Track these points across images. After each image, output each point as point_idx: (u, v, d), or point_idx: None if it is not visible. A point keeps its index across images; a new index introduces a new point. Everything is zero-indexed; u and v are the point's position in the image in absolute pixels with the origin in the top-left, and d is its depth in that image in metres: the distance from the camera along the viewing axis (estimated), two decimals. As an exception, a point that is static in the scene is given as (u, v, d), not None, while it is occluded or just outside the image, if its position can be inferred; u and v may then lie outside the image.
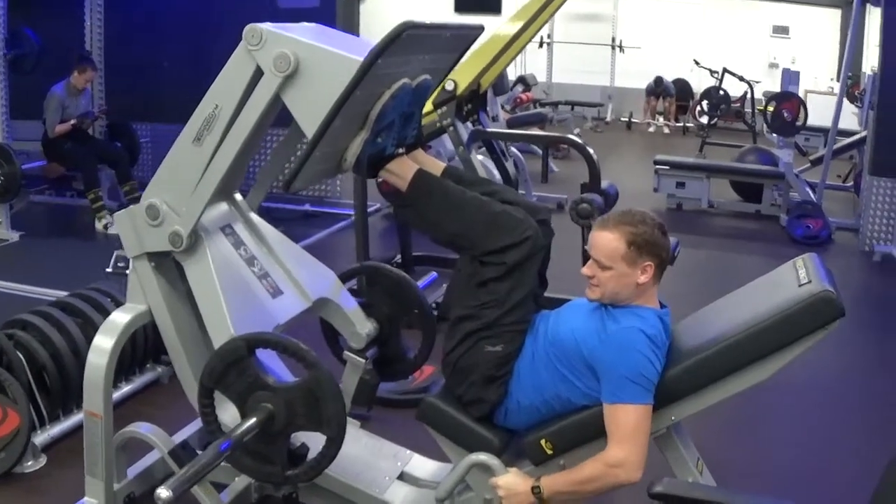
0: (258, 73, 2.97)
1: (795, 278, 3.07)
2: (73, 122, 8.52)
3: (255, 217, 3.58)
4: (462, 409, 3.26)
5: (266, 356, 3.15)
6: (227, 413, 3.09)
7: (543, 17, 6.65)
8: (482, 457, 3.15)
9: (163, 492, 2.52)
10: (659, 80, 18.35)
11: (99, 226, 8.52)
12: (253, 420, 2.84)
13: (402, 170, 3.30)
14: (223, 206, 3.47)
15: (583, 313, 3.18)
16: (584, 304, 3.24)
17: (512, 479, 3.06)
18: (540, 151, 12.09)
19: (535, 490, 2.99)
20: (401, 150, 3.38)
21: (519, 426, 3.24)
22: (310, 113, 2.94)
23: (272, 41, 2.91)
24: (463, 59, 6.54)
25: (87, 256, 7.61)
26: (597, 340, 3.01)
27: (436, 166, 3.47)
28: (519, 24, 6.57)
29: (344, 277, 3.80)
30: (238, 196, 3.56)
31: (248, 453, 2.96)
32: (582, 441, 3.08)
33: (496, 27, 6.77)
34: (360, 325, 3.66)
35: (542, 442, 3.12)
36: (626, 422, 2.88)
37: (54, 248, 8.04)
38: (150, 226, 3.26)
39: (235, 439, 2.78)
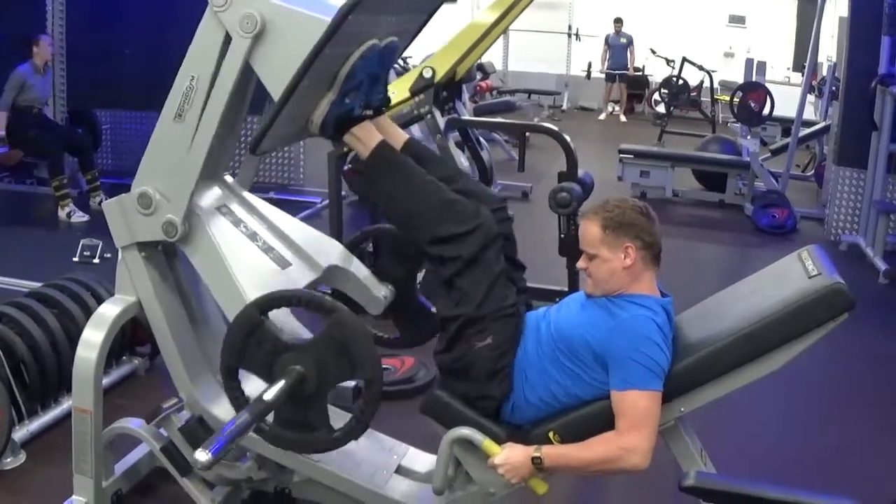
0: (228, 39, 2.91)
1: (803, 270, 3.05)
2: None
3: (249, 195, 3.51)
4: (467, 405, 3.19)
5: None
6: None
7: (521, 6, 6.60)
8: (464, 431, 3.09)
9: (201, 454, 2.40)
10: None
11: (62, 214, 8.36)
12: (282, 382, 2.71)
13: (365, 136, 3.22)
14: (216, 189, 3.39)
15: (585, 306, 3.14)
16: (583, 296, 3.20)
17: (509, 453, 3.00)
18: (500, 139, 12.24)
19: (536, 461, 2.94)
20: (368, 112, 3.31)
21: (526, 421, 3.17)
22: (277, 74, 2.88)
23: (238, 2, 2.86)
24: (441, 47, 6.61)
25: (51, 245, 7.52)
26: (605, 330, 2.96)
27: (398, 136, 3.42)
28: (496, 14, 6.53)
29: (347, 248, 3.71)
30: (228, 178, 3.49)
31: (289, 426, 2.84)
32: (590, 433, 3.00)
33: (470, 16, 6.74)
34: (375, 289, 3.57)
35: (550, 434, 3.06)
36: (639, 407, 2.85)
37: (16, 237, 7.85)
38: (143, 215, 3.16)
39: (268, 402, 2.65)
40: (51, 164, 8.45)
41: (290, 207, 8.90)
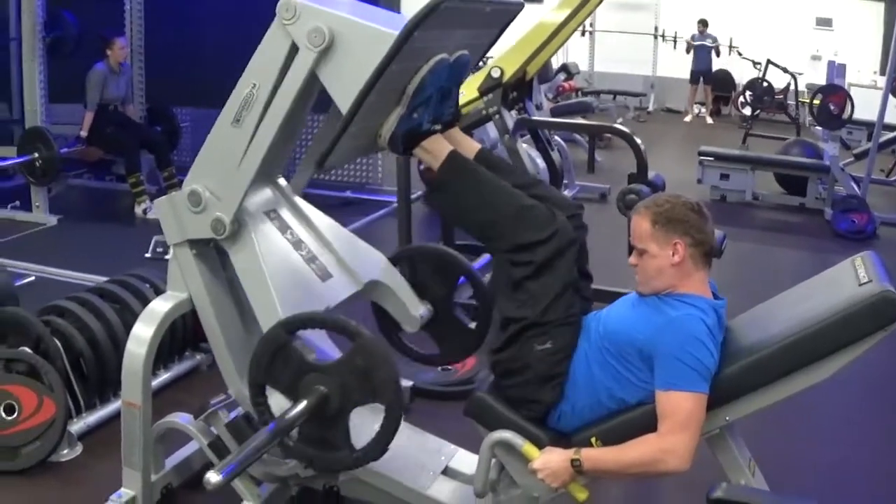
0: (294, 50, 2.90)
1: (855, 277, 2.95)
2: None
3: (300, 201, 3.50)
4: (512, 408, 3.16)
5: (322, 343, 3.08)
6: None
7: (590, 5, 6.56)
8: (504, 434, 3.07)
9: (212, 476, 2.45)
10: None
11: (138, 210, 8.51)
12: (304, 403, 2.76)
13: (436, 148, 3.20)
14: (267, 191, 3.40)
15: (635, 305, 3.10)
16: (635, 297, 3.15)
17: (548, 457, 2.98)
18: (582, 140, 12.15)
19: (575, 463, 2.91)
20: (437, 127, 3.28)
21: (570, 429, 3.14)
22: (345, 88, 2.87)
23: (306, 15, 2.84)
24: (510, 46, 6.58)
25: (125, 241, 7.61)
26: (653, 328, 2.91)
27: (470, 147, 3.39)
28: (566, 13, 6.49)
29: None
30: (282, 180, 3.49)
31: (312, 443, 2.89)
32: (631, 438, 2.96)
33: (543, 15, 6.69)
34: (413, 307, 3.58)
35: (593, 440, 3.02)
36: (682, 409, 2.79)
37: (92, 233, 8.00)
38: (193, 213, 3.19)
39: (287, 421, 2.71)
40: (127, 161, 8.57)
41: (367, 206, 9.06)
